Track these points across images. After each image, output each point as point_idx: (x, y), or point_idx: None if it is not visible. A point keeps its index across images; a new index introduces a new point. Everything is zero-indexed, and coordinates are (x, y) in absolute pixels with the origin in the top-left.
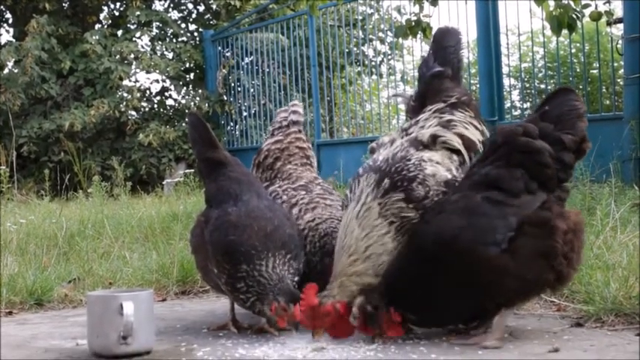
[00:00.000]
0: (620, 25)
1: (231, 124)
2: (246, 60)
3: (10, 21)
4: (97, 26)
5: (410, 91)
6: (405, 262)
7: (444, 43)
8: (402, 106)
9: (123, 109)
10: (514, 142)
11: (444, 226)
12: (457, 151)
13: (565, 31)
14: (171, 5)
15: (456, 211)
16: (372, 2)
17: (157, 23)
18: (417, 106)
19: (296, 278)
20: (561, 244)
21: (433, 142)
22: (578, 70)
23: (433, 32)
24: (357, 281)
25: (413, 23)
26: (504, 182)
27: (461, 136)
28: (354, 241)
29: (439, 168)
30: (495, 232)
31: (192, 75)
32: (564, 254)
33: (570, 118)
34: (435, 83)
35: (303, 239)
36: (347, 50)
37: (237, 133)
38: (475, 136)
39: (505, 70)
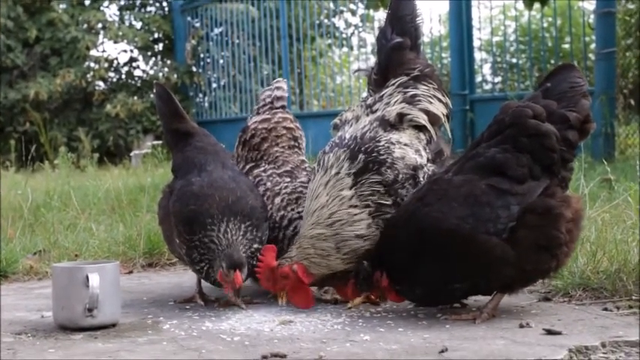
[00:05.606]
0: (592, 0)
1: (200, 95)
2: (216, 31)
3: None
4: None
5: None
6: (404, 241)
7: (400, 13)
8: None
9: (90, 80)
10: (523, 124)
11: (447, 213)
12: (424, 128)
13: (537, 5)
14: None
15: (459, 198)
16: None
17: None
18: (379, 78)
19: (255, 245)
20: (565, 233)
21: (400, 121)
22: (549, 44)
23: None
24: (314, 244)
25: None
26: (510, 169)
27: (426, 112)
28: (318, 206)
29: (407, 150)
30: (497, 222)
31: (160, 45)
32: (566, 243)
33: (573, 96)
34: (396, 55)
35: (268, 212)
36: (317, 22)
37: (206, 104)
38: (439, 109)
39: (476, 43)
